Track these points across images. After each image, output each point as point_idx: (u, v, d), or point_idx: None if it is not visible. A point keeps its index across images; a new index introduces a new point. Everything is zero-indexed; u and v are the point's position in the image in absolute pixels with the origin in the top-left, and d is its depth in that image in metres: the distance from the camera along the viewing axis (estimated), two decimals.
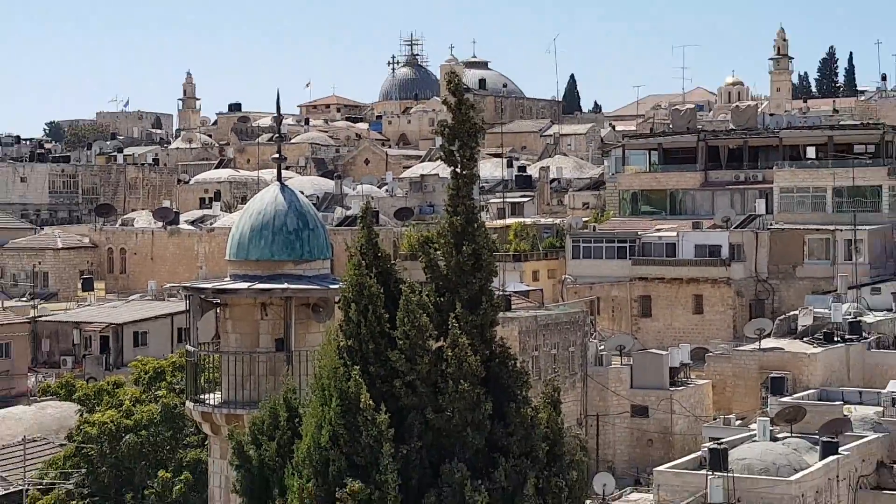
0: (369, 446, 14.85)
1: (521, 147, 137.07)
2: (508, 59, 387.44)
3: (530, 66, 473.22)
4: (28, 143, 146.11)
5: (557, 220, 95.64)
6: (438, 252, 16.96)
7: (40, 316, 73.52)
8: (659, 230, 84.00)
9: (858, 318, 68.71)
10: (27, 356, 67.70)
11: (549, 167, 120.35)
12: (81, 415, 52.66)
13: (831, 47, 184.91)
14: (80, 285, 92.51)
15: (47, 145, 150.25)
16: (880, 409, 57.10)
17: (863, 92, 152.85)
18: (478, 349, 15.97)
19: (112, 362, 66.88)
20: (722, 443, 50.09)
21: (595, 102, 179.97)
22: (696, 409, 60.97)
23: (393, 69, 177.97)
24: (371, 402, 15.08)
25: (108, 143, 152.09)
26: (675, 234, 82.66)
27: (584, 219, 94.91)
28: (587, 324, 67.51)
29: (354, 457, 14.88)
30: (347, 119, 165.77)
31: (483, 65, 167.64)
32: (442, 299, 16.42)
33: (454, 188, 17.02)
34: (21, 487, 47.23)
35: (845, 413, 56.42)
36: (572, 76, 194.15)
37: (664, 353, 65.31)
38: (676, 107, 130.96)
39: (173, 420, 47.16)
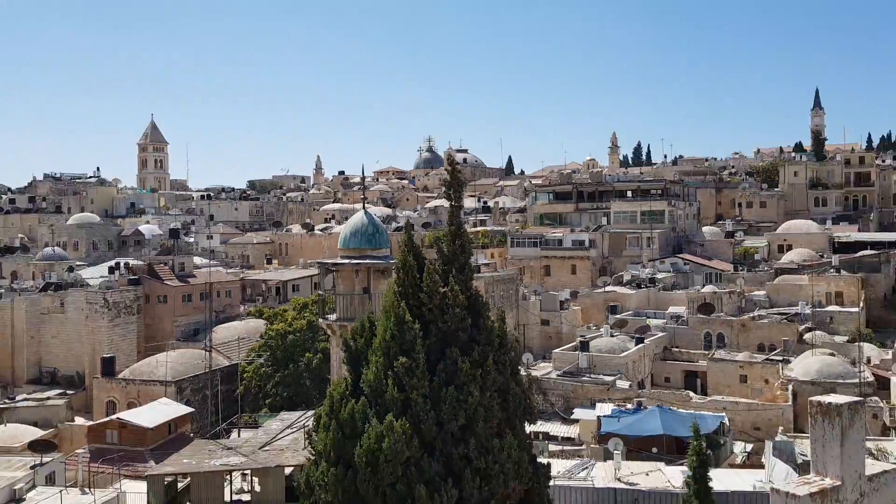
0: (410, 340, 14.79)
1: (484, 192, 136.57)
2: (478, 147, 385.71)
3: (489, 151, 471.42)
4: (238, 191, 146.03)
5: (503, 228, 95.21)
6: (444, 244, 16.95)
7: (245, 276, 73.42)
8: (553, 233, 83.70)
9: (653, 276, 68.56)
10: (239, 296, 67.50)
11: (498, 202, 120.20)
12: (266, 325, 52.71)
13: (638, 142, 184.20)
14: (265, 261, 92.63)
15: (249, 191, 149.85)
16: (664, 321, 57.16)
17: (655, 163, 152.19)
18: (464, 292, 15.93)
19: (281, 299, 66.86)
20: (586, 338, 50.07)
21: (522, 170, 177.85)
22: (573, 321, 60.74)
23: (420, 153, 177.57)
24: (410, 318, 15.06)
25: (279, 190, 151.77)
26: (561, 234, 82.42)
27: (516, 227, 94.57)
28: (518, 279, 67.41)
29: (402, 345, 14.80)
30: (398, 178, 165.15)
31: (465, 150, 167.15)
32: (446, 267, 16.37)
33: (451, 212, 17.04)
34: (237, 362, 47.24)
35: (647, 323, 56.45)
36: (510, 156, 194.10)
37: (557, 293, 65.16)
38: (562, 171, 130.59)
39: (312, 328, 47.15)
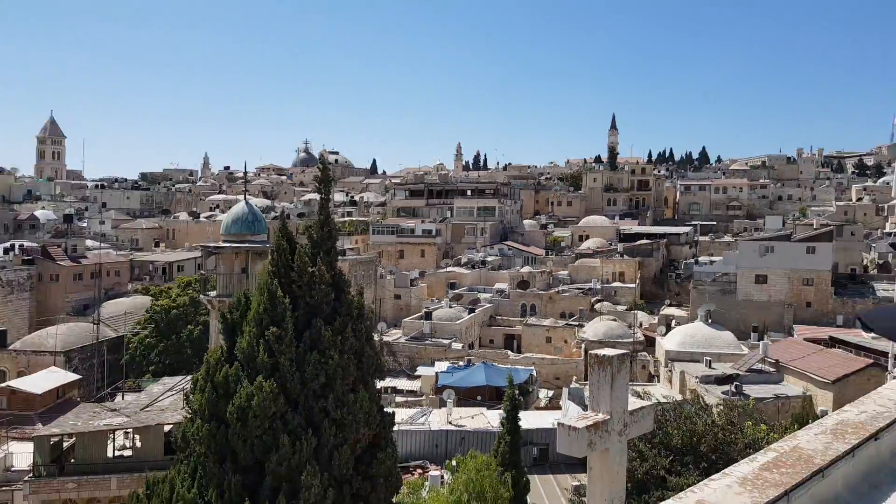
0: (280, 313, 14.39)
1: (351, 188, 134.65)
2: (348, 150, 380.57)
3: (357, 153, 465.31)
4: (130, 181, 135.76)
5: (366, 219, 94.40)
6: (313, 231, 16.57)
7: (134, 258, 68.54)
8: (407, 223, 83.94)
9: (484, 259, 70.24)
10: (128, 275, 62.97)
11: (363, 196, 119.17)
12: (152, 301, 49.52)
13: (478, 150, 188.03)
14: (153, 245, 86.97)
15: (141, 182, 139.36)
16: (491, 295, 58.80)
17: (490, 168, 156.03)
18: (329, 271, 15.67)
19: (167, 278, 62.99)
20: (430, 309, 50.76)
21: (384, 170, 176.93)
22: (420, 296, 61.33)
23: (298, 153, 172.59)
24: (282, 293, 14.69)
25: (169, 182, 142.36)
26: (414, 225, 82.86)
27: (377, 218, 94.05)
28: (377, 261, 67.23)
29: (273, 317, 14.40)
30: (278, 174, 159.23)
31: (336, 152, 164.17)
32: (315, 251, 16.03)
33: (321, 204, 16.63)
34: (123, 333, 44.20)
35: (479, 296, 57.92)
36: (375, 159, 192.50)
37: (408, 273, 65.59)
38: (416, 173, 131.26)
39: (195, 303, 44.87)
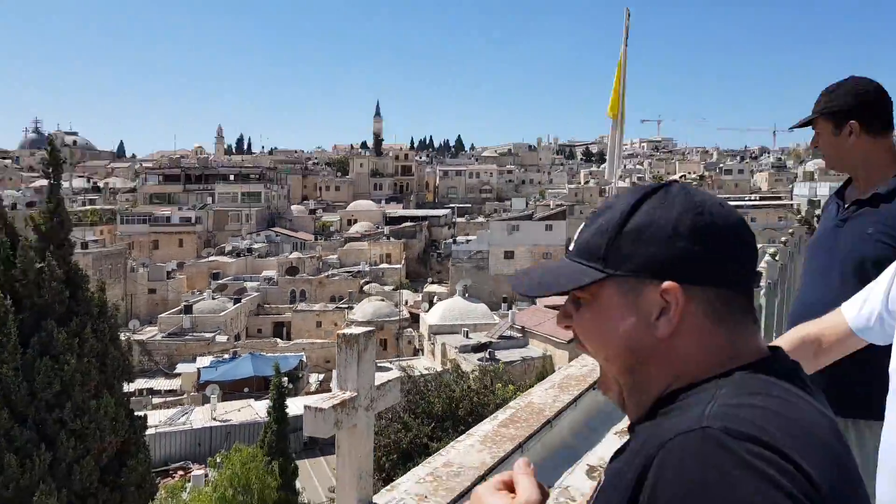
0: (1, 317, 12.25)
1: (94, 173, 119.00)
2: (90, 130, 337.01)
3: (101, 134, 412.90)
4: None
5: (113, 207, 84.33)
6: (40, 222, 14.36)
7: None
8: (162, 211, 77.09)
9: (250, 246, 67.25)
10: None
11: (108, 182, 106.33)
12: None
13: (241, 134, 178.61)
14: None
15: None
16: (258, 283, 56.49)
17: (255, 153, 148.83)
18: (61, 266, 13.72)
19: None
20: (190, 302, 47.29)
21: (133, 154, 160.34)
22: (178, 288, 56.33)
23: (26, 133, 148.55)
24: (1, 294, 12.49)
25: None
26: (169, 212, 76.47)
27: (127, 207, 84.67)
28: (127, 253, 60.62)
29: None
30: (1, 158, 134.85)
31: (75, 133, 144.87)
32: (43, 244, 13.88)
33: (50, 191, 14.46)
34: None
35: (245, 285, 55.46)
36: (122, 140, 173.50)
37: (164, 264, 60.22)
38: (172, 156, 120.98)
39: None
